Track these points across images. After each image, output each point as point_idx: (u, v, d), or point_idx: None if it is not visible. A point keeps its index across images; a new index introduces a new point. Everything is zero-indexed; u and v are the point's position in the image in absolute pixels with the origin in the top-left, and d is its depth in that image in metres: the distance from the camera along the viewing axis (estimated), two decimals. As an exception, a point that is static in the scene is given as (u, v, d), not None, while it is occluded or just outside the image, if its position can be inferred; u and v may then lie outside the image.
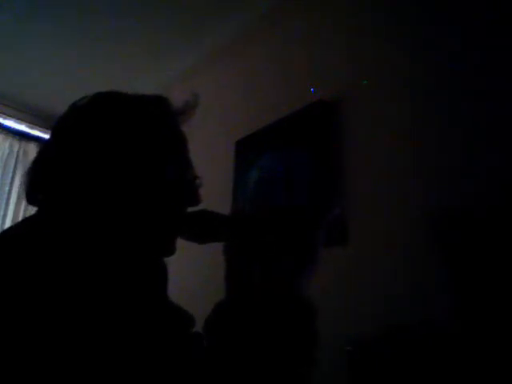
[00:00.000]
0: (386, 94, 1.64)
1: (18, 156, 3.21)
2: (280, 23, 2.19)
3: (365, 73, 1.73)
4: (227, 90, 2.41)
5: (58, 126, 0.76)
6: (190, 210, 0.80)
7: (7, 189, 3.10)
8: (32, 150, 3.24)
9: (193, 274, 2.11)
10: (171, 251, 0.77)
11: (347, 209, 1.62)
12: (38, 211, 0.72)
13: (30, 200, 0.74)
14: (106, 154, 0.70)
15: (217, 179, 2.07)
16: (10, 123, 3.21)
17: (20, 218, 2.89)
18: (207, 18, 2.33)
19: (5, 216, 3.06)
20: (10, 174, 3.14)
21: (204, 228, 0.77)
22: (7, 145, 3.21)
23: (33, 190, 0.74)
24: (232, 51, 2.45)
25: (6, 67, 2.81)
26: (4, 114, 3.18)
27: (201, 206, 0.80)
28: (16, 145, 3.23)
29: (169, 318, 0.73)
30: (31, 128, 3.25)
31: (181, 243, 0.79)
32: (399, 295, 1.39)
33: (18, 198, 3.10)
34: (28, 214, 0.73)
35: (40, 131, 3.25)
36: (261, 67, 2.24)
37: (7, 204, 3.09)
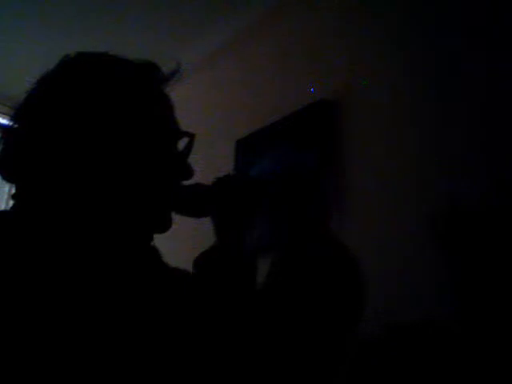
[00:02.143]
0: (386, 94, 1.64)
1: (17, 156, 3.21)
2: (280, 23, 2.19)
3: (365, 73, 1.73)
4: (227, 89, 2.40)
5: (40, 84, 0.69)
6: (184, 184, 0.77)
7: (7, 189, 3.10)
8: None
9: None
10: (166, 226, 0.73)
11: (347, 208, 1.62)
12: (15, 198, 0.67)
13: (4, 173, 0.68)
14: (89, 124, 0.64)
15: (217, 179, 2.06)
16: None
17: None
18: (207, 17, 2.33)
19: (5, 216, 3.05)
20: (10, 174, 3.14)
21: (200, 201, 0.75)
22: (7, 145, 3.21)
23: (7, 165, 0.68)
24: (232, 50, 2.44)
25: (6, 66, 2.81)
26: (4, 114, 3.17)
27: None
28: (16, 145, 3.23)
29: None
30: (31, 128, 3.24)
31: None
32: (399, 295, 1.39)
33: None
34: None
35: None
36: (261, 67, 2.24)
37: (7, 204, 3.08)
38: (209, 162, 1.94)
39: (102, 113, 0.66)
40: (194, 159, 0.81)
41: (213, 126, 2.34)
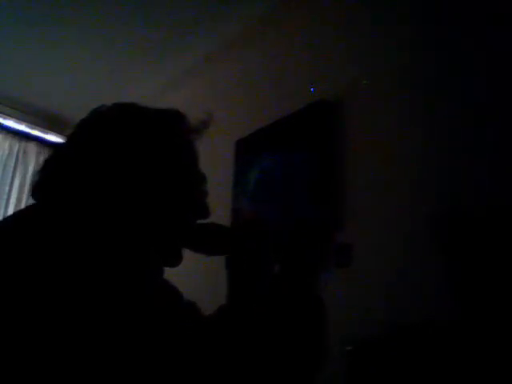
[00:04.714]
0: (386, 94, 1.64)
1: (17, 156, 3.20)
2: (280, 23, 2.19)
3: (365, 73, 1.73)
4: (227, 89, 2.40)
5: (76, 131, 0.77)
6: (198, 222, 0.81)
7: (7, 189, 3.10)
8: (32, 150, 3.23)
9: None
10: (177, 261, 0.78)
11: (347, 208, 1.62)
12: (37, 204, 0.72)
13: (36, 196, 0.74)
14: (121, 163, 0.72)
15: (217, 179, 2.06)
16: (10, 123, 3.21)
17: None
18: (206, 17, 2.33)
19: (4, 216, 3.05)
20: (10, 175, 3.13)
21: (213, 240, 0.79)
22: (7, 145, 3.20)
23: (42, 188, 0.73)
24: (232, 51, 2.44)
25: (6, 67, 2.81)
26: (4, 114, 3.17)
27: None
28: (16, 145, 3.22)
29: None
30: (31, 128, 3.24)
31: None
32: (399, 295, 1.39)
33: (18, 199, 3.10)
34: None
35: (40, 131, 3.24)
36: (261, 67, 2.24)
37: (7, 204, 3.08)
38: (209, 162, 1.93)
39: (130, 157, 0.73)
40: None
41: (213, 126, 2.33)
